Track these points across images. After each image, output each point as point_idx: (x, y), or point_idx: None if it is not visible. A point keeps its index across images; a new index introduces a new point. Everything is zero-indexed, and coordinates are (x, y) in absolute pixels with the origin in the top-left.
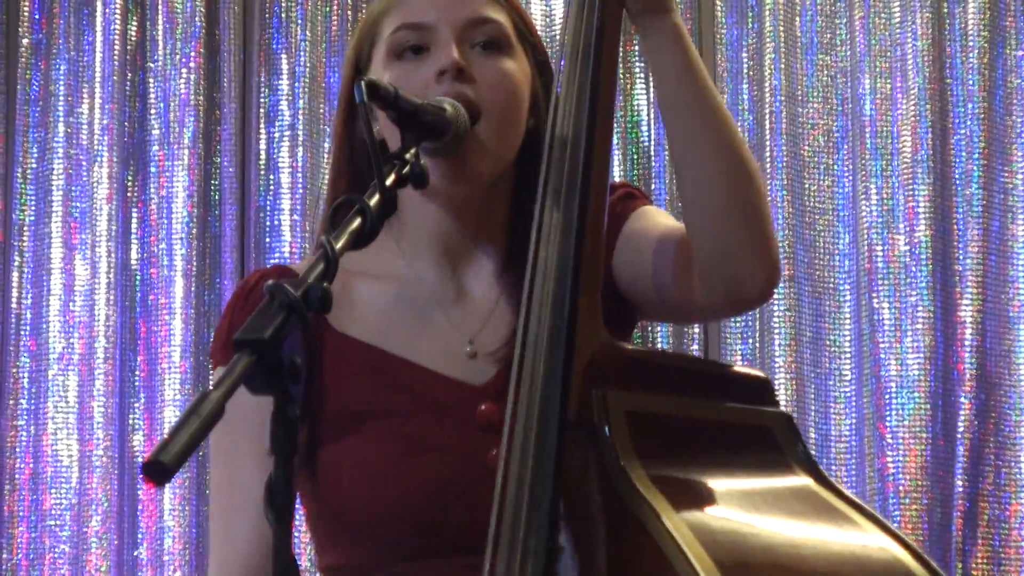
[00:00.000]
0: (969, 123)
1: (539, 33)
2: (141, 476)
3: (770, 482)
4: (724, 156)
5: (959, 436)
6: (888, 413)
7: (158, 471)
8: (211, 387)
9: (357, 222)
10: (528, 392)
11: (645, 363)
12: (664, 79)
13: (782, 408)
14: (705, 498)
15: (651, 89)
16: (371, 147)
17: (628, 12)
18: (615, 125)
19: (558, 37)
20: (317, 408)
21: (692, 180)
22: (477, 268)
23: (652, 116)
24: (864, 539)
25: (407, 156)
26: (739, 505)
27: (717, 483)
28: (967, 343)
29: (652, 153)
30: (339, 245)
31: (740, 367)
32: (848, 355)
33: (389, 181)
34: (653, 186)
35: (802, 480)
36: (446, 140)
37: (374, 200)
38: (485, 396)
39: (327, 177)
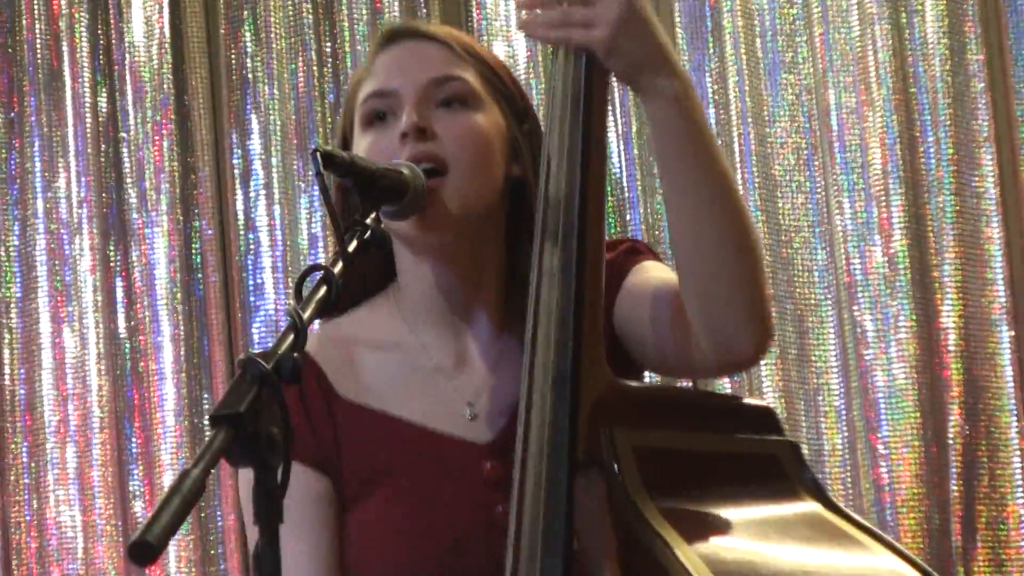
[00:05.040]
0: (936, 131)
1: (513, 76)
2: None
3: (779, 509)
4: (722, 224)
5: (951, 441)
6: (879, 424)
7: (144, 551)
8: (191, 464)
9: (323, 290)
10: (537, 434)
11: (650, 399)
12: (659, 142)
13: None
14: (716, 528)
15: (618, 119)
16: (331, 215)
17: (616, 76)
18: None
19: (523, 78)
20: (337, 477)
21: (687, 246)
22: (476, 327)
23: (622, 147)
24: (874, 562)
25: (367, 221)
26: (749, 534)
27: (727, 513)
28: (951, 349)
29: (625, 184)
30: (307, 315)
31: (744, 398)
32: (835, 369)
33: (352, 247)
34: (628, 216)
35: (811, 506)
36: (405, 202)
37: (338, 267)
38: (489, 454)
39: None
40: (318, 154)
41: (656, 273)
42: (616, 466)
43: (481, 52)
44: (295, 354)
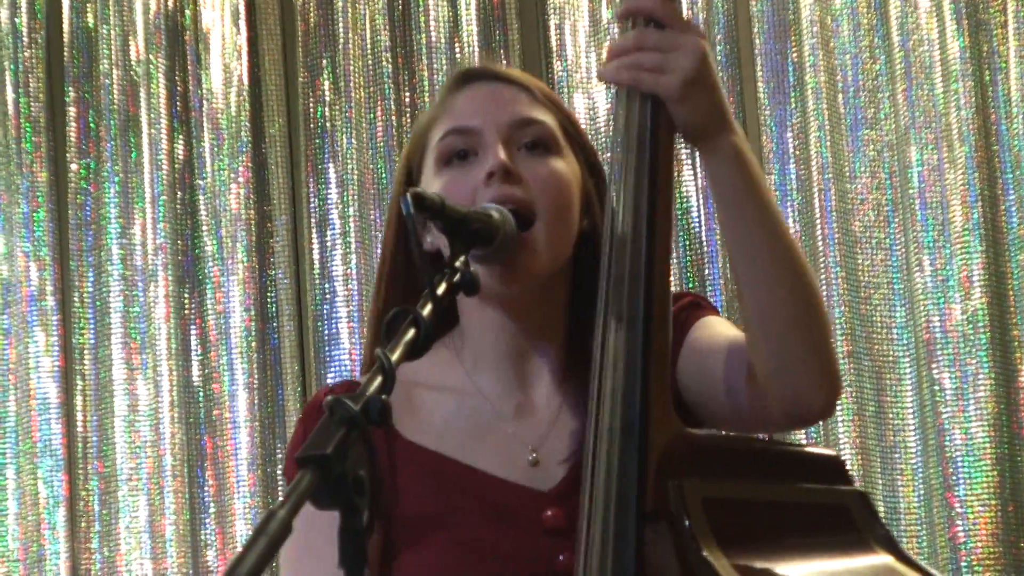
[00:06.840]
0: (1018, 189)
1: (584, 129)
2: None
3: (851, 562)
4: (784, 277)
5: None
6: (956, 482)
7: None
8: (277, 505)
9: (411, 332)
10: (604, 484)
11: (718, 449)
12: (722, 200)
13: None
14: None
15: (698, 174)
16: (421, 257)
17: (680, 128)
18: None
19: (603, 130)
20: (389, 514)
21: (752, 299)
22: (538, 377)
23: (701, 201)
24: None
25: (457, 264)
26: None
27: (798, 565)
28: None
29: (704, 239)
30: (395, 357)
31: (812, 447)
32: (912, 427)
33: (441, 290)
34: (707, 271)
35: (883, 558)
36: (494, 246)
37: (427, 310)
38: (551, 501)
39: (376, 288)
40: (408, 195)
41: (722, 329)
42: (686, 519)
43: (557, 100)
44: (383, 396)
